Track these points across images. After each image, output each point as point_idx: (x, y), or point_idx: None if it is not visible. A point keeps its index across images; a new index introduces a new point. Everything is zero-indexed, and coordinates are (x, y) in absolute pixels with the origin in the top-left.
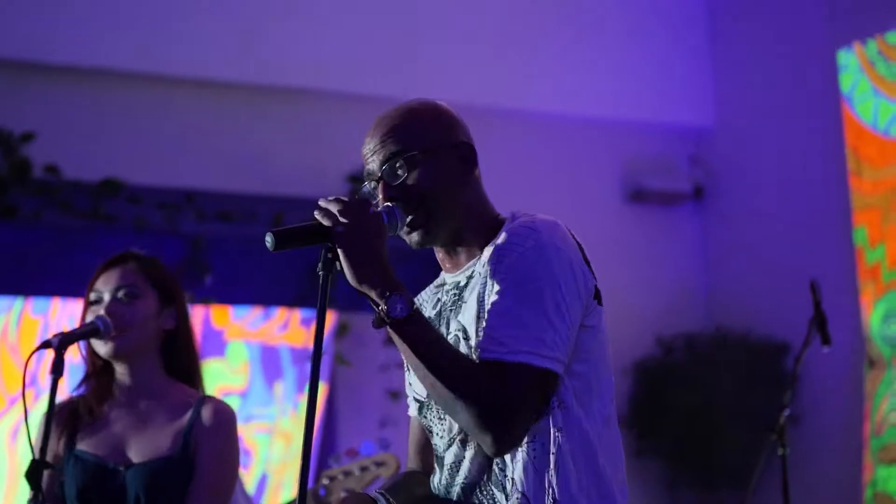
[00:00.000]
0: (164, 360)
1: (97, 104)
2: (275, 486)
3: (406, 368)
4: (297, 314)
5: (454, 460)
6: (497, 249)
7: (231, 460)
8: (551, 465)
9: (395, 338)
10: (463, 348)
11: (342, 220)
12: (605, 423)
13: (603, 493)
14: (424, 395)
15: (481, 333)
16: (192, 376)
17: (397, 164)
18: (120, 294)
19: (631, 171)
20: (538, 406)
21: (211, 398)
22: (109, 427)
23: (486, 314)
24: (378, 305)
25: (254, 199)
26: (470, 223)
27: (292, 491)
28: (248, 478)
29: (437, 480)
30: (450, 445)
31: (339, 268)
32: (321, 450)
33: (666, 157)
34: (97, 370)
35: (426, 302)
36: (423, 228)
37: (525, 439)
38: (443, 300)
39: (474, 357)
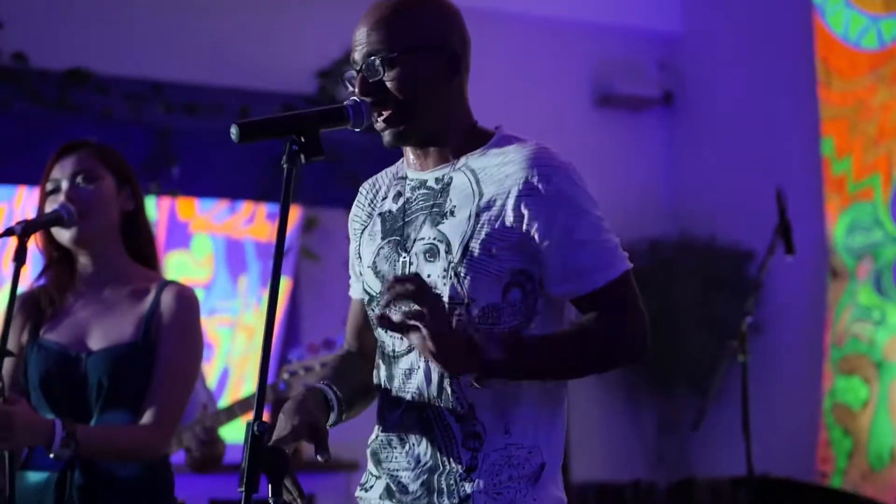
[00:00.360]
0: (126, 242)
1: None
2: (236, 380)
3: (352, 249)
4: (263, 208)
5: (410, 367)
6: (520, 162)
7: (193, 345)
8: (514, 396)
9: (508, 373)
10: (441, 260)
11: (432, 348)
12: None
13: (554, 426)
14: (377, 290)
15: (562, 265)
16: (151, 258)
17: (377, 62)
18: (78, 179)
19: (600, 75)
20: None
21: (173, 283)
22: (73, 315)
23: (544, 236)
24: (482, 371)
25: (221, 91)
26: (445, 127)
27: (253, 384)
28: (210, 371)
29: (385, 378)
30: (409, 351)
31: (303, 161)
32: (283, 344)
33: (635, 62)
34: (56, 260)
35: (382, 187)
36: (394, 128)
37: None
38: (406, 195)
39: (461, 269)
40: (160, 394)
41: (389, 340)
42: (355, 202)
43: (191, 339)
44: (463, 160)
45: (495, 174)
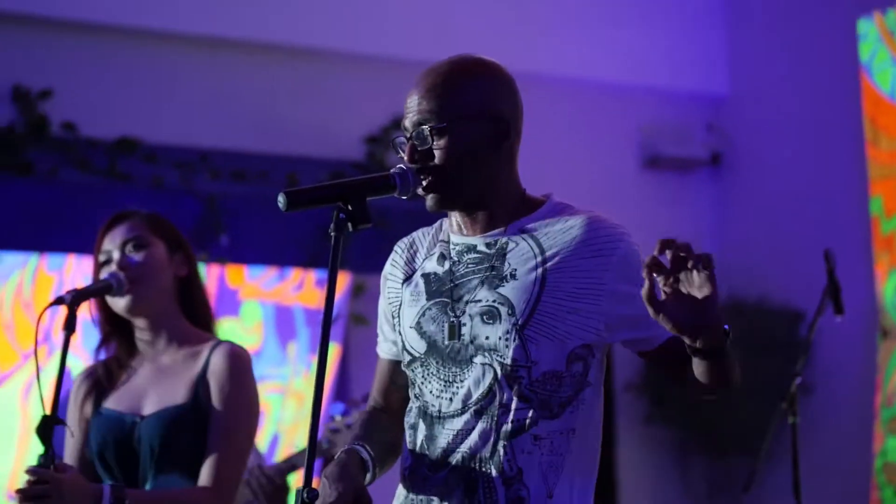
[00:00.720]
0: (182, 307)
1: (115, 61)
2: (287, 446)
3: (382, 308)
4: (312, 275)
5: (464, 427)
6: (584, 234)
7: (247, 404)
8: (556, 466)
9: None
10: (504, 322)
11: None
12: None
13: (586, 494)
14: (421, 352)
15: (631, 315)
16: (207, 322)
17: (426, 130)
18: (128, 248)
19: (647, 137)
20: None
21: (224, 342)
22: (132, 382)
23: (611, 309)
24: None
25: (268, 158)
26: (492, 193)
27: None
28: (261, 437)
29: (425, 438)
30: (462, 412)
31: (350, 229)
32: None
33: (682, 124)
34: (112, 332)
35: (422, 248)
36: (436, 193)
37: (542, 434)
38: (453, 258)
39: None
40: (216, 455)
41: (436, 401)
42: (390, 260)
43: (244, 398)
44: (516, 225)
45: (558, 238)
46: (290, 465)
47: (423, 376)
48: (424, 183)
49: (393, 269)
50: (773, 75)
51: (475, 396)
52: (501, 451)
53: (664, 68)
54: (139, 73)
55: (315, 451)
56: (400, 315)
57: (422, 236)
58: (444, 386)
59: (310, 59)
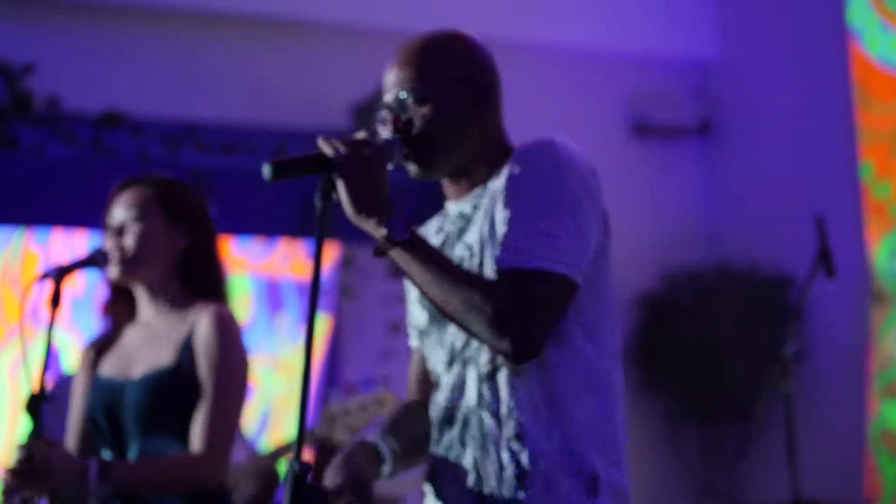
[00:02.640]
0: (183, 278)
1: (98, 35)
2: (277, 420)
3: (407, 298)
4: (301, 246)
5: (455, 381)
6: (510, 162)
7: (233, 366)
8: (546, 400)
9: (402, 261)
10: (470, 265)
11: (342, 150)
12: (612, 358)
13: (608, 435)
14: (424, 324)
15: (497, 248)
16: (215, 292)
17: (407, 99)
18: (128, 217)
19: (635, 104)
20: (557, 314)
21: (211, 305)
22: (124, 345)
23: (502, 229)
24: (378, 233)
25: (256, 130)
26: (476, 158)
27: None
28: (251, 411)
29: (439, 403)
30: (450, 365)
31: (336, 199)
32: (325, 382)
33: (670, 91)
34: (122, 295)
35: (430, 232)
36: (421, 162)
37: (523, 367)
38: (446, 230)
39: (488, 272)
40: (206, 420)
41: (438, 365)
42: None
43: (231, 361)
44: (489, 181)
45: (497, 185)
46: (275, 456)
47: (430, 348)
48: (408, 150)
49: None
50: (762, 41)
51: (458, 347)
52: (489, 395)
53: (651, 34)
54: (123, 47)
55: (305, 422)
56: (410, 292)
57: (429, 223)
58: (441, 350)
59: (296, 31)
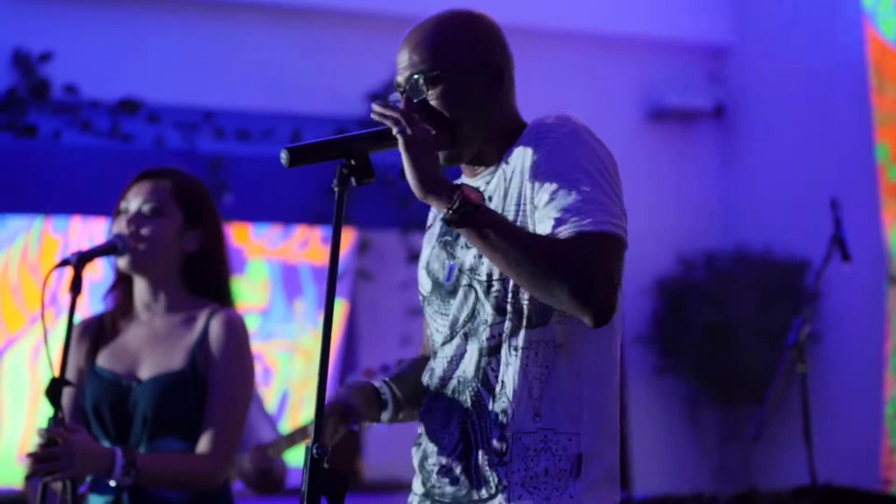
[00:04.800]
0: (186, 279)
1: (115, 23)
2: (296, 404)
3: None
4: (318, 232)
5: (455, 353)
6: (527, 135)
7: (244, 372)
8: (542, 379)
9: (477, 229)
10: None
11: (407, 130)
12: (610, 349)
13: (600, 419)
14: (427, 291)
15: (547, 218)
16: (220, 294)
17: (420, 81)
18: (145, 208)
19: (651, 88)
20: (621, 275)
21: (221, 309)
22: (127, 343)
23: (533, 203)
24: (452, 204)
25: (272, 117)
26: (491, 138)
27: (312, 408)
28: (270, 395)
29: (435, 371)
30: (451, 338)
31: (354, 184)
32: (342, 366)
33: (686, 75)
34: (123, 279)
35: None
36: (449, 149)
37: (521, 344)
38: None
39: None
40: (215, 423)
41: (437, 336)
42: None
43: (241, 366)
44: (503, 158)
45: (517, 154)
46: (291, 439)
47: (430, 315)
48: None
49: (430, 218)
50: (777, 24)
51: (461, 319)
52: (488, 370)
53: (666, 19)
54: (140, 35)
55: (323, 406)
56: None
57: None
58: (442, 319)
59: (311, 17)
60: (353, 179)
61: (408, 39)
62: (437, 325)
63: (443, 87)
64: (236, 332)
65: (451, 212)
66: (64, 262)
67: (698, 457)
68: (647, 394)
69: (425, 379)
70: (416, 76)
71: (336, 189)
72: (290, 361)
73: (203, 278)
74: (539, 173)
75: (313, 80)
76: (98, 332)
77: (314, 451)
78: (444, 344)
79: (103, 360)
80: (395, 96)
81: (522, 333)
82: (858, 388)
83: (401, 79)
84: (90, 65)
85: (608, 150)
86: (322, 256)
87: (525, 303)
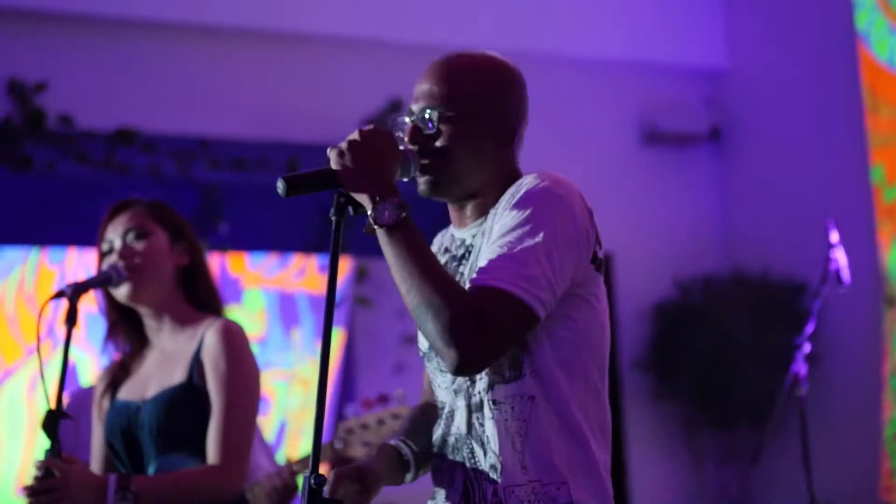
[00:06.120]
0: (186, 294)
1: (109, 52)
2: (294, 433)
3: None
4: (314, 260)
5: (449, 410)
6: (509, 194)
7: (242, 378)
8: (522, 432)
9: (383, 245)
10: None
11: (353, 137)
12: (594, 396)
13: (585, 465)
14: (425, 348)
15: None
16: (214, 308)
17: (434, 115)
18: (129, 237)
19: (646, 112)
20: (510, 336)
21: (218, 320)
22: (142, 371)
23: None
24: (369, 211)
25: (267, 145)
26: (485, 188)
27: (311, 437)
28: (268, 424)
29: (437, 430)
30: (446, 395)
31: (351, 213)
32: (340, 395)
33: (681, 99)
34: (119, 320)
35: (445, 240)
36: (432, 180)
37: (499, 398)
38: (452, 252)
39: None
40: (219, 432)
41: (440, 392)
42: None
43: (240, 373)
44: (492, 210)
45: (493, 216)
46: (296, 465)
47: (431, 371)
48: (423, 163)
49: None
50: (771, 47)
51: (450, 376)
52: (476, 424)
53: (662, 43)
54: (135, 64)
55: (321, 435)
56: None
57: (443, 231)
58: (442, 376)
59: (307, 45)
60: (350, 209)
61: (435, 70)
62: (438, 382)
63: (454, 127)
64: (232, 340)
65: (375, 209)
66: (59, 294)
67: (697, 480)
68: (644, 418)
69: (433, 439)
70: (430, 110)
71: (333, 218)
72: (288, 391)
73: (201, 290)
74: (495, 227)
75: (309, 109)
76: (118, 371)
77: (312, 481)
78: (442, 401)
79: (123, 393)
80: (403, 120)
81: (499, 388)
82: (857, 410)
83: (415, 107)
84: (85, 95)
85: (576, 217)
86: (319, 285)
87: (501, 358)
